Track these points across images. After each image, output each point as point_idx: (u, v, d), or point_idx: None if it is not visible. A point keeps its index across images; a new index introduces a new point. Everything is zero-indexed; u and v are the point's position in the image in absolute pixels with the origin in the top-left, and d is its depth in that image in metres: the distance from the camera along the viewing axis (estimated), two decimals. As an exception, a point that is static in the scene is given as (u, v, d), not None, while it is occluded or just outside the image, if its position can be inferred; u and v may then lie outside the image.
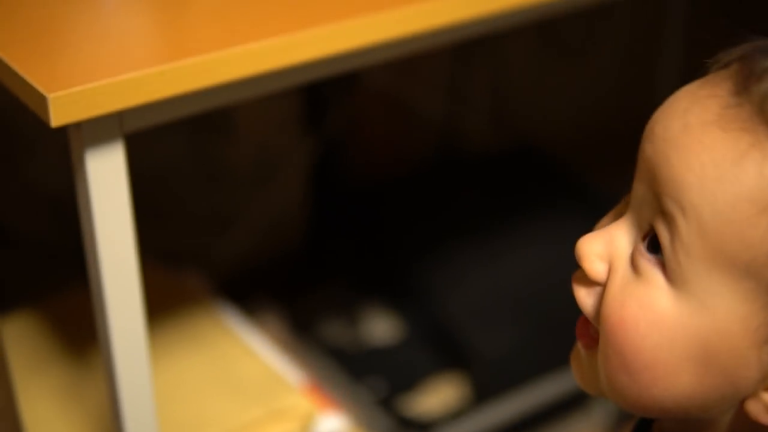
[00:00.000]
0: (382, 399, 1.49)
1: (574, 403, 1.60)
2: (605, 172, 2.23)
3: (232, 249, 1.69)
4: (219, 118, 1.61)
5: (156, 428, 0.90)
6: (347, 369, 1.54)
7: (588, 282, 0.66)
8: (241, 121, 1.64)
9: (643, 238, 0.63)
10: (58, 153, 1.34)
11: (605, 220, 0.71)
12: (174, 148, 1.59)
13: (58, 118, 0.70)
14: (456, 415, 1.47)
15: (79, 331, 1.19)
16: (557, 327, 1.54)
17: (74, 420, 1.08)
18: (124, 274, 0.78)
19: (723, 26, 0.64)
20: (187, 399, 1.09)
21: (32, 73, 0.72)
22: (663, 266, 0.60)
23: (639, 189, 0.64)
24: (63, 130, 0.76)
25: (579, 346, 0.68)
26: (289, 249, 1.79)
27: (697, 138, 0.59)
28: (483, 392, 1.51)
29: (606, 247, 0.66)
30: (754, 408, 0.61)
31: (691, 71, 0.68)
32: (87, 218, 0.76)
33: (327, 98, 1.75)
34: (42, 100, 0.70)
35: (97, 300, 0.80)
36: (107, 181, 0.75)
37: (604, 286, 0.64)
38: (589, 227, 1.77)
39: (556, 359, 1.55)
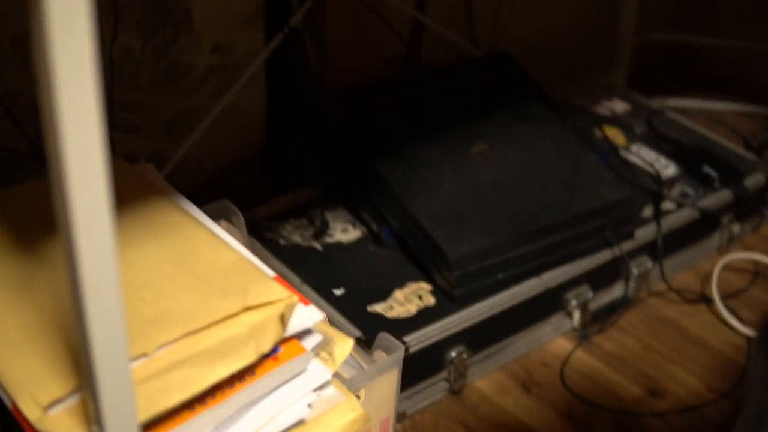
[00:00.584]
0: (349, 302, 1.42)
1: (543, 309, 1.55)
2: (572, 81, 2.19)
3: (192, 153, 1.61)
4: (175, 16, 1.52)
5: (122, 324, 0.81)
6: (312, 273, 1.47)
7: None
8: (198, 19, 1.55)
9: None
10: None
11: None
12: (129, 48, 1.50)
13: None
14: (425, 319, 1.41)
15: (31, 224, 1.10)
16: (525, 233, 1.48)
17: (25, 316, 0.99)
18: (88, 128, 0.69)
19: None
20: (156, 293, 1.00)
21: None
22: None
23: None
24: None
25: None
26: (253, 152, 1.72)
27: None
28: (450, 296, 1.44)
29: None
30: None
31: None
32: (43, 67, 0.67)
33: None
34: None
35: (54, 164, 0.71)
36: (68, 15, 0.66)
37: None
38: (554, 136, 1.71)
39: (526, 264, 1.50)
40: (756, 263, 1.79)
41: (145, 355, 0.94)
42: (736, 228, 1.81)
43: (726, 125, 2.14)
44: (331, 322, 1.35)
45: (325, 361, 1.02)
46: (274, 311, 0.97)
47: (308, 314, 1.00)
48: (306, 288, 1.44)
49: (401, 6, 1.77)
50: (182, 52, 1.56)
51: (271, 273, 1.04)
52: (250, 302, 0.98)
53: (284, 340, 0.99)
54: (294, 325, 0.99)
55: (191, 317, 0.97)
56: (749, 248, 1.83)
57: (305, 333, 1.01)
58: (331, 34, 1.73)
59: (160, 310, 0.98)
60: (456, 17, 1.92)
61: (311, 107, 1.69)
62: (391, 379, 1.13)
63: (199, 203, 1.38)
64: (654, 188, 1.71)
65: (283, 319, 0.97)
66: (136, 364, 0.93)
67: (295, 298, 0.99)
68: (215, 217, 1.35)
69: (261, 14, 1.63)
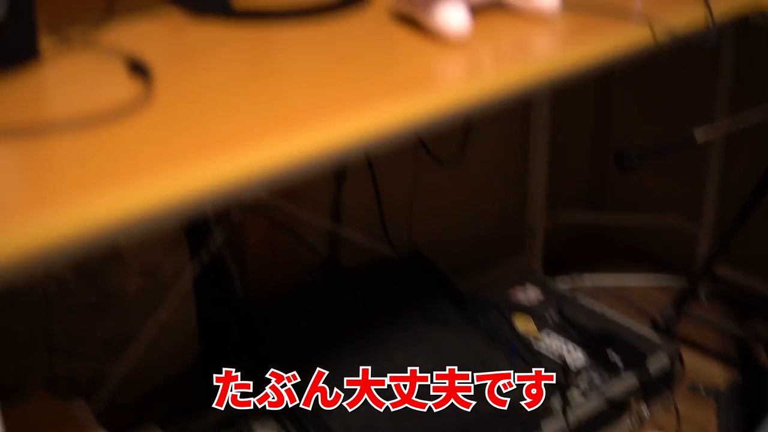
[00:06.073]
0: None
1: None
2: (487, 268, 2.26)
3: (127, 374, 1.70)
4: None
5: None
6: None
7: None
8: (126, 247, 1.66)
9: None
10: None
11: None
12: (63, 277, 1.61)
13: None
14: None
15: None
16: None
17: None
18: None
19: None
20: None
21: None
22: None
23: None
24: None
25: None
26: (182, 369, 1.81)
27: None
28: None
29: None
30: None
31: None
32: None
33: (207, 218, 1.77)
34: None
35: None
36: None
37: None
38: (462, 337, 1.75)
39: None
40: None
41: None
42: (644, 410, 1.89)
43: (635, 304, 2.22)
44: None
45: None
46: None
47: None
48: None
49: (316, 219, 1.87)
50: (113, 277, 1.65)
51: None
52: None
53: None
54: None
55: None
56: (660, 429, 1.91)
57: None
58: (251, 251, 1.83)
59: None
60: (370, 219, 2.03)
61: (237, 322, 1.78)
62: None
63: (138, 421, 1.45)
64: (561, 380, 1.80)
65: None
66: None
67: None
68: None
69: (183, 239, 1.74)
